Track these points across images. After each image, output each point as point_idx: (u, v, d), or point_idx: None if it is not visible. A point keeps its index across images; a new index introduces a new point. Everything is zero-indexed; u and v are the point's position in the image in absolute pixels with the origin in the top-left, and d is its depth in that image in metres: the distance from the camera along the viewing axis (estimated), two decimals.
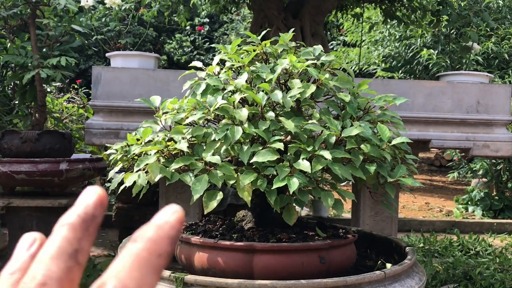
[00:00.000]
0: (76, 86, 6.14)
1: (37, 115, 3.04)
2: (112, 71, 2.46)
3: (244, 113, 1.33)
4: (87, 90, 5.86)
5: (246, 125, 1.33)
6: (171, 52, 10.82)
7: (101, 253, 3.82)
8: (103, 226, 4.85)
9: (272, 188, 1.28)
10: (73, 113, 5.23)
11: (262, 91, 1.41)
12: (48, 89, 5.98)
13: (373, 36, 7.36)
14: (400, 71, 6.89)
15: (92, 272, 2.71)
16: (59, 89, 6.47)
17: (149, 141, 1.45)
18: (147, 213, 3.75)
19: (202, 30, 10.87)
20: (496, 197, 6.10)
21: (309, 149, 1.33)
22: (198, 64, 1.59)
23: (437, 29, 3.75)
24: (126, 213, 3.81)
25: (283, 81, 1.52)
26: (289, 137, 1.45)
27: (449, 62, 5.24)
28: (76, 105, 5.47)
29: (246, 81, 1.45)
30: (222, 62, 1.61)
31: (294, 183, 1.25)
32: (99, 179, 5.33)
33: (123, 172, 1.45)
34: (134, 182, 1.36)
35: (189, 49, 10.73)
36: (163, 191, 2.77)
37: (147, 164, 1.32)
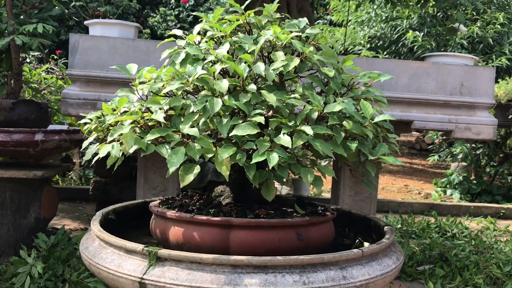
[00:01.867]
0: (55, 57, 5.99)
1: (12, 83, 2.94)
2: (90, 40, 2.38)
3: (224, 84, 1.29)
4: (66, 61, 5.72)
5: (226, 97, 1.28)
6: (155, 26, 10.62)
7: (77, 226, 3.77)
8: (80, 200, 4.79)
9: (251, 163, 1.24)
10: (51, 84, 5.10)
11: (245, 62, 1.36)
12: (28, 60, 5.82)
13: (359, 16, 7.31)
14: (385, 52, 6.87)
15: (67, 245, 2.66)
16: (38, 59, 6.31)
17: (125, 111, 1.40)
18: (125, 187, 3.69)
19: (187, 4, 10.67)
20: (474, 181, 6.18)
21: (291, 124, 1.29)
22: (178, 32, 1.53)
23: (424, 11, 3.72)
24: (104, 187, 3.75)
25: (266, 53, 1.48)
26: (271, 112, 1.41)
27: (434, 44, 5.23)
28: (55, 76, 5.34)
29: (228, 52, 1.40)
30: (204, 33, 1.55)
31: (274, 158, 1.21)
32: (78, 153, 5.25)
33: (98, 143, 1.39)
34: (109, 154, 1.31)
35: (173, 23, 10.54)
36: (142, 165, 2.72)
37: (121, 134, 1.27)
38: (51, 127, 2.99)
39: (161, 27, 10.55)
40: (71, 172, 5.40)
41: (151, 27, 10.64)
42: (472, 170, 6.47)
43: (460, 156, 6.45)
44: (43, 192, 2.85)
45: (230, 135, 1.26)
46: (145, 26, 10.56)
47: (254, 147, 1.25)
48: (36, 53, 5.73)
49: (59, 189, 4.68)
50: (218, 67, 1.32)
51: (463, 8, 3.27)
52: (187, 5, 10.66)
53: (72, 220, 4.01)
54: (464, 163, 6.56)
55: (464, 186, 6.12)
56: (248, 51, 1.39)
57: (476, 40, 6.35)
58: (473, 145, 6.28)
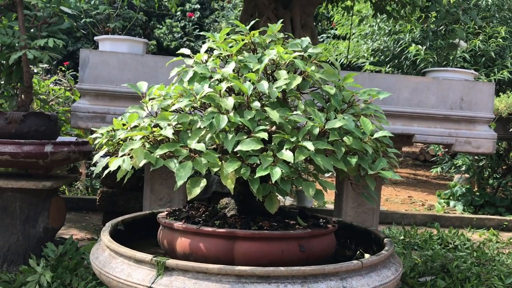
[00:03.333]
0: (63, 68, 6.09)
1: (23, 96, 3.02)
2: (100, 55, 2.46)
3: (230, 102, 1.35)
4: (74, 72, 5.82)
5: (231, 114, 1.35)
6: (161, 37, 10.75)
7: (84, 236, 3.82)
8: (87, 210, 4.85)
9: (255, 177, 1.30)
10: (59, 96, 5.18)
11: (249, 81, 1.43)
12: (35, 71, 5.91)
13: (362, 29, 7.39)
14: (388, 66, 6.94)
15: (75, 255, 2.72)
16: (46, 70, 6.41)
17: (135, 126, 1.46)
18: (131, 198, 3.75)
19: (193, 17, 10.80)
20: (477, 193, 6.20)
21: (293, 139, 1.35)
22: (186, 51, 1.60)
23: (425, 25, 3.79)
24: (111, 198, 3.81)
25: (270, 71, 1.54)
26: (274, 128, 1.47)
27: (436, 58, 5.29)
28: (63, 87, 5.42)
29: (233, 70, 1.46)
30: (210, 50, 1.62)
31: (277, 173, 1.27)
32: (84, 163, 5.32)
33: (108, 157, 1.46)
34: (119, 167, 1.37)
35: (179, 35, 10.67)
36: (148, 176, 2.78)
37: (132, 149, 1.33)
38: (60, 138, 3.06)
39: (167, 38, 10.67)
40: (77, 182, 5.47)
41: (157, 39, 10.77)
42: (475, 182, 6.50)
43: (463, 168, 6.48)
44: (52, 202, 2.92)
45: (235, 150, 1.32)
46: (151, 38, 10.69)
47: (258, 162, 1.31)
48: (44, 65, 5.82)
49: (65, 199, 4.75)
50: (224, 86, 1.39)
51: (464, 24, 3.33)
52: (193, 17, 10.80)
53: (79, 230, 4.06)
54: (467, 175, 6.59)
55: (467, 198, 6.14)
56: (253, 70, 1.45)
57: (478, 53, 6.42)
58: (476, 157, 6.31)
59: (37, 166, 2.81)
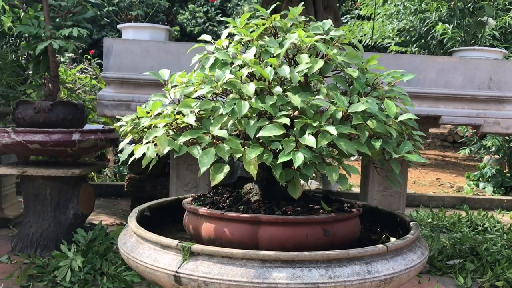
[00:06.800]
0: (89, 57, 6.17)
1: (50, 85, 3.08)
2: (123, 43, 2.48)
3: (251, 88, 1.35)
4: (99, 60, 5.89)
5: (253, 100, 1.34)
6: (184, 23, 10.76)
7: (113, 221, 3.91)
8: (116, 196, 4.95)
9: (277, 162, 1.30)
10: (86, 84, 5.27)
11: (270, 66, 1.42)
12: (62, 60, 6.01)
13: (387, 9, 7.24)
14: (414, 46, 6.79)
15: (104, 240, 2.79)
16: (72, 59, 6.51)
17: (159, 114, 1.48)
18: (158, 183, 3.81)
19: (215, 1, 10.77)
20: (507, 174, 6.07)
21: (315, 124, 1.34)
22: (207, 37, 1.60)
23: (452, 3, 3.68)
24: (138, 184, 3.87)
25: (292, 56, 1.53)
26: (296, 112, 1.46)
27: (464, 37, 5.15)
28: (89, 76, 5.51)
29: (254, 56, 1.45)
30: (231, 36, 1.61)
31: (299, 158, 1.27)
32: (112, 150, 5.41)
33: (134, 144, 1.48)
34: (144, 154, 1.39)
35: (202, 20, 10.67)
36: (174, 163, 2.82)
37: (156, 137, 1.35)
38: (87, 126, 3.12)
39: (190, 24, 10.69)
40: (106, 169, 5.57)
41: (180, 24, 10.79)
42: (506, 163, 6.35)
43: (493, 149, 6.34)
44: (81, 189, 2.98)
45: (257, 136, 1.32)
46: (175, 24, 10.71)
47: (280, 147, 1.31)
48: (70, 54, 5.91)
49: (94, 185, 4.86)
50: (245, 71, 1.38)
51: (493, 1, 3.23)
52: (215, 2, 10.76)
53: (108, 215, 4.15)
54: (497, 156, 6.44)
55: (497, 179, 6.02)
56: (274, 55, 1.44)
57: (509, 30, 6.21)
58: (507, 137, 6.16)
59: (65, 154, 2.87)
